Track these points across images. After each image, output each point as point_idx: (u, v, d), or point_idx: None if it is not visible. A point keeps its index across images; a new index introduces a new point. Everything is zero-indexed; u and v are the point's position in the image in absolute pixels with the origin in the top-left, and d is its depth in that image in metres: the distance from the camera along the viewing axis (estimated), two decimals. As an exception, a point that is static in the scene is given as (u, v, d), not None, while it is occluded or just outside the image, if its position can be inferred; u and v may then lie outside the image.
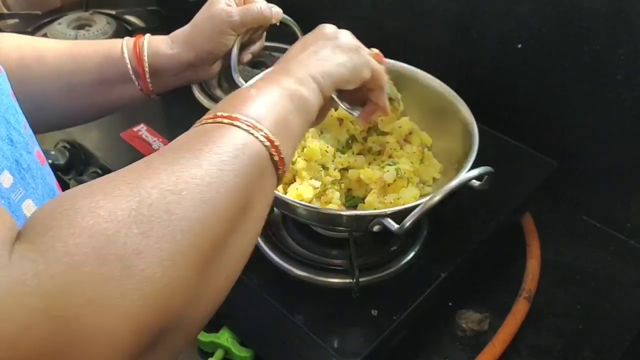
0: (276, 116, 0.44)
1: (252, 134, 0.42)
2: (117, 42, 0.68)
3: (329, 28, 0.57)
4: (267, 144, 0.42)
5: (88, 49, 0.68)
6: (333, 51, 0.54)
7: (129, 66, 0.67)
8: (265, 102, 0.45)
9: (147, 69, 0.67)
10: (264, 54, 1.01)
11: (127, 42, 0.68)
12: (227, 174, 0.38)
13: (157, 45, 0.68)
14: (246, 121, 0.42)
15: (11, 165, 0.49)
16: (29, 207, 0.50)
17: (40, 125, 0.70)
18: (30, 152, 0.52)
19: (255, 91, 0.46)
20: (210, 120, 0.44)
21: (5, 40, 0.67)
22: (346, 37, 0.56)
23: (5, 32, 1.07)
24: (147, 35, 0.69)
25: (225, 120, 0.42)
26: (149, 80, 0.68)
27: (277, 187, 0.45)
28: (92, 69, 0.67)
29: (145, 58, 0.67)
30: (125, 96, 0.70)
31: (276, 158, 0.43)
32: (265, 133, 0.42)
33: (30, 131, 0.55)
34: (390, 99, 0.62)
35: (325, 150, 0.67)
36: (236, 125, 0.42)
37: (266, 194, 0.43)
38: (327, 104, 0.54)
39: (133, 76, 0.67)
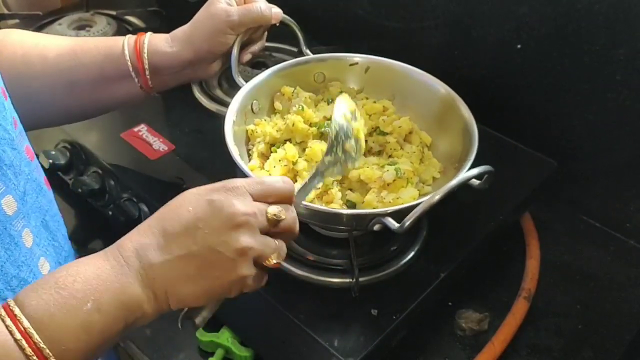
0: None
1: None
2: (119, 39, 0.69)
3: (233, 217, 0.46)
4: None
5: (90, 46, 0.68)
6: (209, 269, 0.46)
7: (129, 63, 0.67)
8: (89, 331, 0.42)
9: (146, 66, 0.67)
10: (264, 54, 1.01)
11: (129, 39, 0.68)
12: None
13: (157, 43, 0.68)
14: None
15: None
16: (8, 204, 0.50)
17: (41, 121, 0.71)
18: (15, 148, 0.52)
19: (91, 304, 0.42)
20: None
21: (10, 37, 0.67)
22: (243, 239, 0.46)
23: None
24: (149, 34, 0.69)
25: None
26: (148, 77, 0.68)
27: None
28: (93, 65, 0.67)
29: (145, 55, 0.67)
30: (125, 93, 0.70)
31: None
32: None
33: (20, 128, 0.56)
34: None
35: (327, 151, 0.67)
36: None
37: None
38: None
39: (133, 73, 0.68)
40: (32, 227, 0.54)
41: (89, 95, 0.69)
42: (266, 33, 0.76)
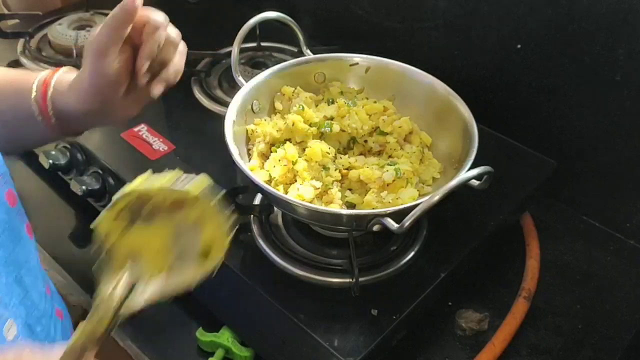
0: None
1: None
2: (34, 76, 0.62)
3: None
4: None
5: (6, 78, 0.62)
6: None
7: (34, 107, 0.60)
8: None
9: (51, 113, 0.60)
10: (264, 54, 1.02)
11: (39, 78, 0.61)
12: None
13: (63, 82, 0.60)
14: None
15: None
16: None
17: None
18: None
19: None
20: None
21: None
22: None
23: (6, 32, 1.07)
24: (61, 70, 0.62)
25: None
26: (54, 123, 0.61)
27: None
28: (4, 103, 0.61)
29: (49, 98, 0.60)
30: (41, 136, 0.63)
31: None
32: None
33: (3, 171, 0.53)
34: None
35: (327, 152, 0.67)
36: None
37: None
38: None
39: (39, 117, 0.60)
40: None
41: (7, 132, 0.62)
42: (184, 58, 0.63)
